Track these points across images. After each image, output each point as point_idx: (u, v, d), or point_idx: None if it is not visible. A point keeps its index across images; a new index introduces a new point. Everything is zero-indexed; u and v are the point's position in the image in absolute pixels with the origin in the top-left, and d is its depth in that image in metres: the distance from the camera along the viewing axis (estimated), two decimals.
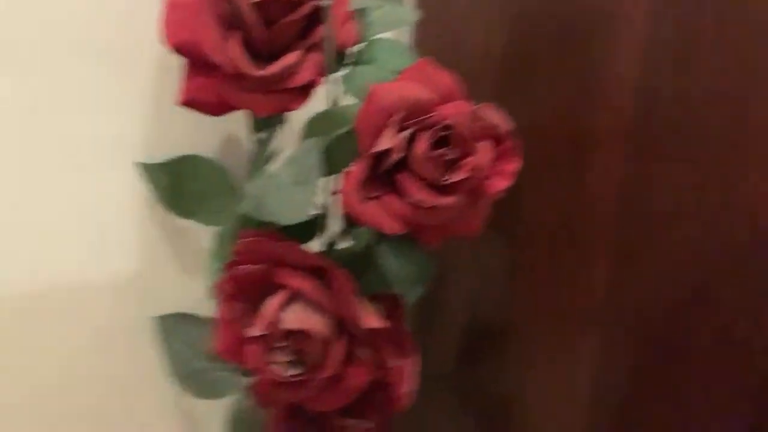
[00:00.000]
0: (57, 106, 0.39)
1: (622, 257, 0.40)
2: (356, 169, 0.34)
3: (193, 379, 0.41)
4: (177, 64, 0.36)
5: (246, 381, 0.41)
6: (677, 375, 0.39)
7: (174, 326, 0.41)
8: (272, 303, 0.32)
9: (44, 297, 0.40)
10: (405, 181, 0.34)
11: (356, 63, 0.38)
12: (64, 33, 0.38)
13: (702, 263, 0.37)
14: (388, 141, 0.33)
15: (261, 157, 0.38)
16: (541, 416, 0.47)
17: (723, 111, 0.36)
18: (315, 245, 0.37)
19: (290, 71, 0.35)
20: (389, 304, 0.36)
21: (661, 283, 0.39)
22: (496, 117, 0.36)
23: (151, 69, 0.42)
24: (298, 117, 0.37)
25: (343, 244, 0.40)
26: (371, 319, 0.33)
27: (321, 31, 0.35)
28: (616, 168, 0.40)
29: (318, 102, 0.37)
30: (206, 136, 0.44)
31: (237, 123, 0.41)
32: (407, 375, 0.35)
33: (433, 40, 0.51)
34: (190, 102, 0.36)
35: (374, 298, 0.36)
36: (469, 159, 0.34)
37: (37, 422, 0.41)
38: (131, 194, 0.42)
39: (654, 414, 0.40)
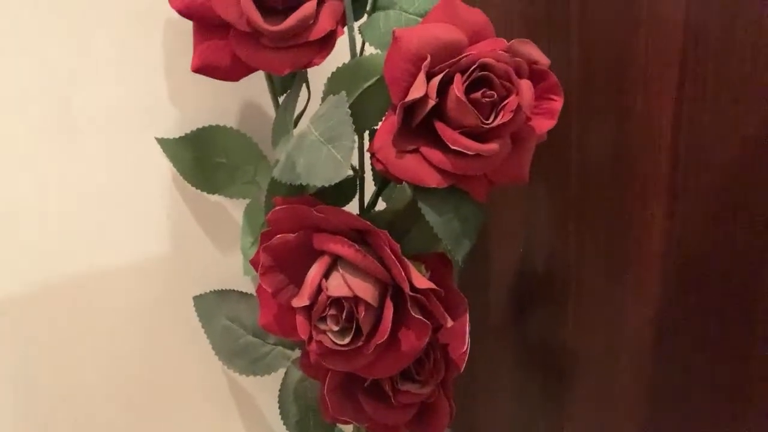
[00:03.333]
0: (86, 77, 0.37)
1: (681, 193, 0.37)
2: (389, 121, 0.32)
3: (240, 356, 0.40)
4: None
5: (294, 354, 0.40)
6: (744, 319, 0.36)
7: (215, 304, 0.40)
8: (314, 271, 0.30)
9: (82, 280, 0.39)
10: (443, 129, 0.31)
11: (375, 9, 0.36)
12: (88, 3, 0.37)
13: None
14: (420, 88, 0.31)
15: (285, 121, 0.36)
16: (600, 371, 0.45)
17: None
18: (352, 208, 0.35)
19: (307, 23, 0.33)
20: (436, 262, 0.34)
21: (724, 219, 0.36)
22: (534, 52, 0.33)
23: (167, 39, 0.39)
24: (321, 73, 0.35)
25: (382, 204, 0.38)
26: (419, 280, 0.31)
27: None
28: (669, 99, 0.37)
29: (340, 55, 0.34)
30: (226, 105, 0.42)
31: (256, 88, 0.39)
32: (461, 335, 0.34)
33: None
34: (204, 67, 0.34)
35: (419, 257, 0.34)
36: (510, 99, 0.31)
37: (85, 405, 0.41)
38: (157, 172, 0.41)
39: (722, 360, 0.38)
